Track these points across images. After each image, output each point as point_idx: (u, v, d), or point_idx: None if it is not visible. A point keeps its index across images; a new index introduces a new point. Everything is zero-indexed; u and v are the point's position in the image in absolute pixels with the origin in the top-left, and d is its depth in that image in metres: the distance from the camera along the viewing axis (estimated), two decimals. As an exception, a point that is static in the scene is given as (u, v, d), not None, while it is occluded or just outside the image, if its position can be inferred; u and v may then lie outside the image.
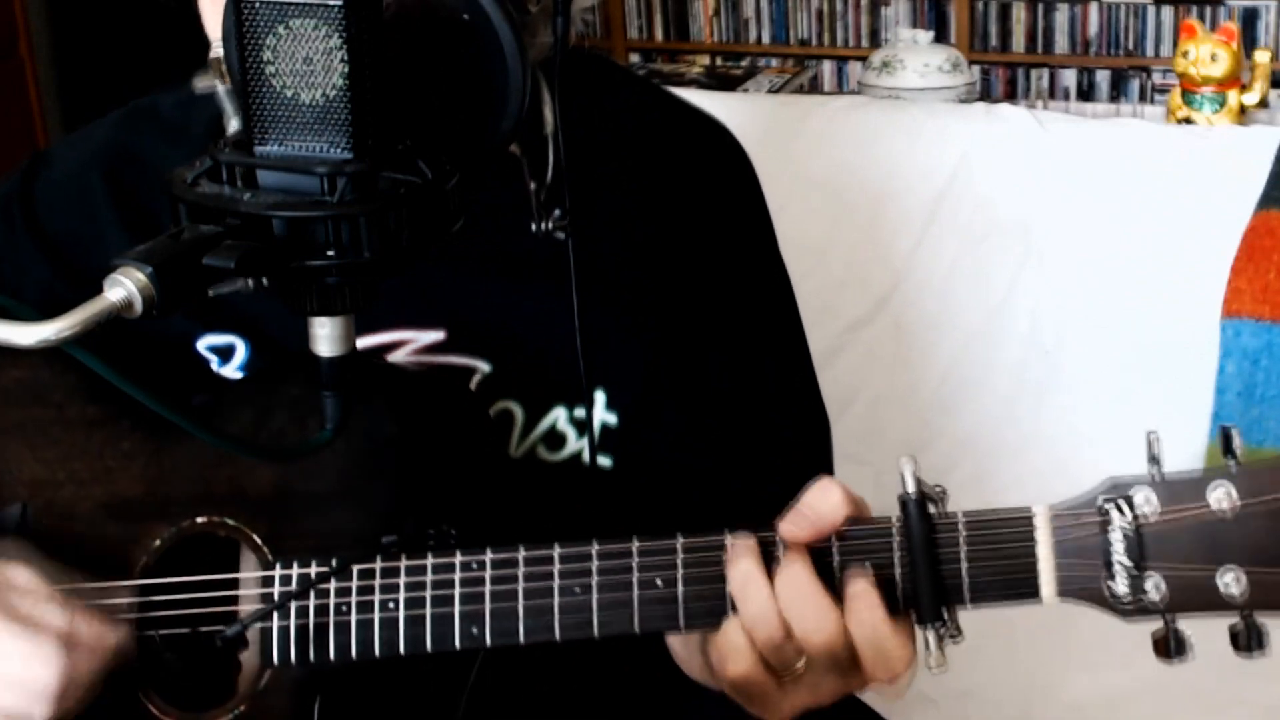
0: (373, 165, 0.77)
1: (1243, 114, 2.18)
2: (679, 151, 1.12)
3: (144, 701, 0.96)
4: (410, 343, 1.06)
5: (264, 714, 0.95)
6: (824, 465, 1.16)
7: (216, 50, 0.92)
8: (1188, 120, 2.17)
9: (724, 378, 1.11)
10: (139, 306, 0.71)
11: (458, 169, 0.81)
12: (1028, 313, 2.05)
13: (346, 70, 0.74)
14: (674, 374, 1.09)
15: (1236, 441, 0.84)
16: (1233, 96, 2.16)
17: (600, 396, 1.07)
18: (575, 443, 1.07)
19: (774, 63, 4.33)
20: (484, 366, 1.06)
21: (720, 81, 3.41)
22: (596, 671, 1.08)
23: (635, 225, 1.08)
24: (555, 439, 1.07)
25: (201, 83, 1.05)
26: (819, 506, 0.88)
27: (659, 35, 4.57)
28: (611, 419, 1.07)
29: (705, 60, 4.41)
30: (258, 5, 0.74)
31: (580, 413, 1.06)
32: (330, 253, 0.76)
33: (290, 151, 0.76)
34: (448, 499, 0.98)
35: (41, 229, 1.12)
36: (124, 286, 0.71)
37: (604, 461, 1.08)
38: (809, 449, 1.16)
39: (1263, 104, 2.20)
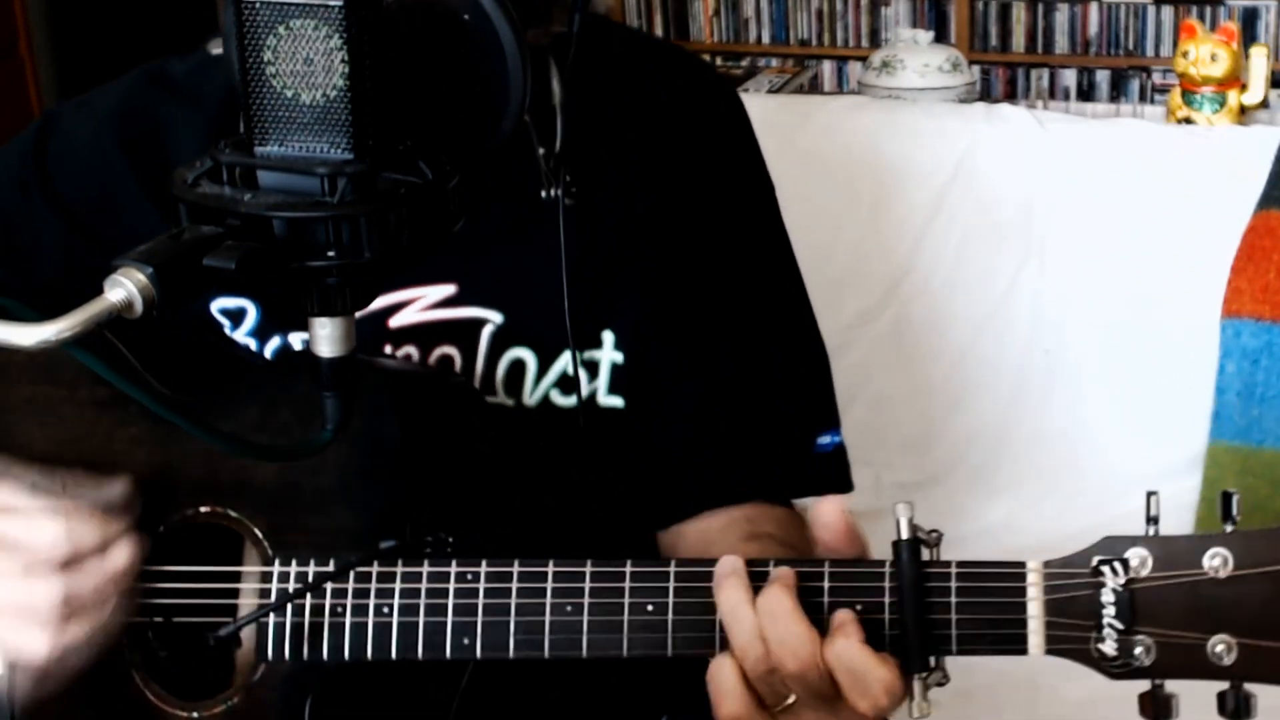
0: (373, 166, 0.77)
1: (1243, 114, 2.18)
2: (669, 95, 1.15)
3: (141, 688, 0.97)
4: (422, 298, 1.08)
5: (257, 706, 0.95)
6: (825, 397, 1.17)
7: None
8: (1188, 120, 2.17)
9: (725, 309, 1.13)
10: (139, 307, 0.72)
11: (458, 169, 0.81)
12: (1028, 313, 2.05)
13: (347, 71, 0.74)
14: (677, 311, 1.11)
15: (1235, 506, 0.82)
16: (1233, 96, 2.16)
17: (608, 337, 1.09)
18: (586, 385, 1.09)
19: (774, 63, 4.33)
20: (496, 317, 1.08)
21: (720, 81, 3.41)
22: (587, 680, 1.08)
23: (632, 169, 1.10)
24: (568, 383, 1.09)
25: (215, 48, 1.06)
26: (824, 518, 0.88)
27: (659, 35, 4.57)
28: (619, 358, 1.09)
29: (705, 60, 4.41)
30: (258, 5, 0.74)
31: (590, 355, 1.08)
32: (330, 253, 0.76)
33: (290, 152, 0.76)
34: (448, 503, 0.98)
35: (58, 195, 1.12)
36: (124, 287, 0.71)
37: (615, 401, 1.09)
38: (807, 378, 1.17)
39: (1263, 104, 2.20)
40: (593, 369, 1.09)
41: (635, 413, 1.10)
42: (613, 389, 1.10)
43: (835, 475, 1.15)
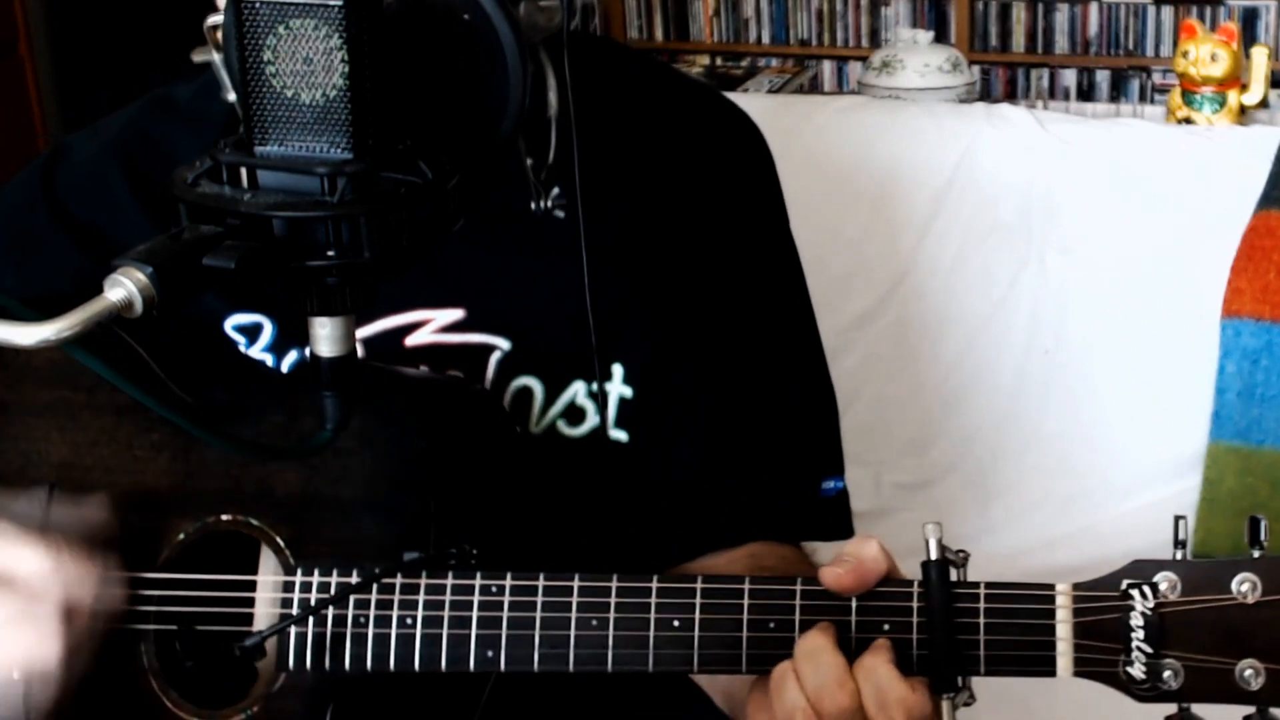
0: (373, 165, 0.77)
1: (1243, 114, 2.18)
2: (689, 129, 1.13)
3: (159, 695, 0.96)
4: (430, 322, 1.07)
5: (276, 716, 0.95)
6: (832, 441, 1.16)
7: (213, 19, 0.91)
8: (1188, 120, 2.17)
9: (736, 349, 1.12)
10: (139, 307, 0.72)
11: (458, 169, 0.81)
12: (1028, 313, 2.05)
13: (347, 70, 0.74)
14: (689, 349, 1.09)
15: (1264, 531, 0.83)
16: (1233, 96, 2.16)
17: (618, 370, 1.08)
18: (594, 417, 1.08)
19: (774, 63, 4.33)
20: (503, 344, 1.07)
21: (720, 81, 3.42)
22: (610, 694, 1.08)
23: (647, 202, 1.09)
24: (575, 413, 1.08)
25: (198, 56, 1.05)
26: (863, 554, 0.87)
27: (659, 35, 4.57)
28: (628, 392, 1.08)
29: (705, 60, 4.41)
30: (258, 5, 0.74)
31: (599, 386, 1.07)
32: (330, 253, 0.77)
33: (290, 152, 0.76)
34: (472, 515, 0.97)
35: (69, 218, 1.13)
36: (124, 287, 0.71)
37: (620, 435, 1.08)
38: (816, 422, 1.16)
39: (1263, 104, 2.20)
40: (601, 401, 1.08)
41: (641, 448, 1.09)
42: (619, 423, 1.08)
43: (838, 521, 1.15)
